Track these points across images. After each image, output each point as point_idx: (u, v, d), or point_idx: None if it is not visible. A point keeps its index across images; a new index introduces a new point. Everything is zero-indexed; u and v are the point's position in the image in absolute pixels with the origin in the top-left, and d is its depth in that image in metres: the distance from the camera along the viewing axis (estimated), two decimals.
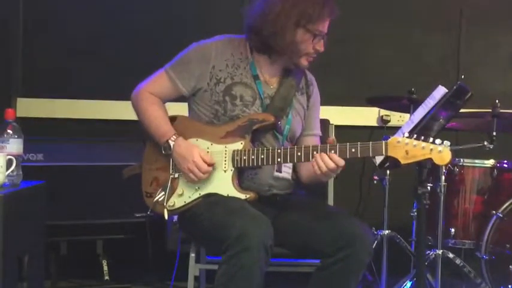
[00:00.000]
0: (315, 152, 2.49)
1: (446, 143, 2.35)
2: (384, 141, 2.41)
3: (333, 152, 2.46)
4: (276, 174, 2.68)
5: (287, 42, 2.62)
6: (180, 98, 2.76)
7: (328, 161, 2.45)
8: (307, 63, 2.72)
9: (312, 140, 2.82)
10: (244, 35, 2.75)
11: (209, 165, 2.60)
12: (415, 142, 2.37)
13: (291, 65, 2.74)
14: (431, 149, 2.35)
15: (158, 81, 2.75)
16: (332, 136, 3.38)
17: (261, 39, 2.67)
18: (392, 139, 2.41)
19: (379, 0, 4.47)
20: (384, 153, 2.42)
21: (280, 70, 2.77)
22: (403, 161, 2.39)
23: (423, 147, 2.36)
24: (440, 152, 2.34)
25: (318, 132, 2.87)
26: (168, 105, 2.78)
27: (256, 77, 2.73)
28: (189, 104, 2.80)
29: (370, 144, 2.43)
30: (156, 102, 2.75)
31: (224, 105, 2.68)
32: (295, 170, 2.76)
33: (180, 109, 2.81)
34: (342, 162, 2.46)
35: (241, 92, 2.69)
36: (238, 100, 2.69)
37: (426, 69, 4.42)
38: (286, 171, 2.71)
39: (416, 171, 2.46)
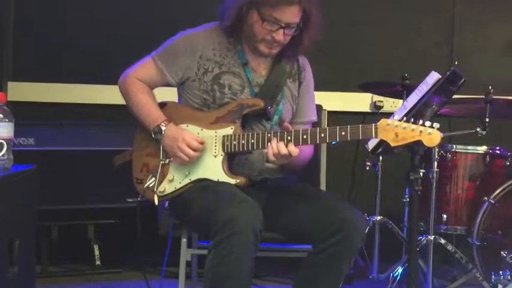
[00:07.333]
0: (274, 139, 2.49)
1: (436, 125, 2.35)
2: (373, 124, 2.41)
3: (322, 135, 2.46)
4: (266, 164, 2.65)
5: (239, 20, 2.60)
6: (169, 83, 2.75)
7: (282, 148, 2.47)
8: (267, 51, 2.67)
9: (303, 128, 2.80)
10: None
11: (199, 143, 2.59)
12: (405, 125, 2.36)
13: (255, 50, 2.68)
14: (420, 131, 2.35)
15: (145, 69, 2.74)
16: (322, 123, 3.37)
17: (221, 19, 2.65)
18: (382, 121, 2.40)
19: None
20: (373, 135, 2.42)
21: (270, 56, 2.74)
22: (393, 144, 2.38)
23: (413, 130, 2.35)
24: (430, 133, 2.34)
25: (310, 119, 2.85)
26: (158, 90, 2.77)
27: (245, 65, 2.71)
28: (178, 91, 2.80)
29: (360, 127, 2.43)
30: (144, 88, 2.73)
31: (213, 94, 2.67)
32: None
33: (170, 94, 2.79)
34: (296, 153, 2.47)
35: (230, 81, 2.68)
36: (227, 89, 2.67)
37: (419, 55, 4.42)
38: None
39: (409, 157, 2.46)
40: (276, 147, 2.48)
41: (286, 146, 2.48)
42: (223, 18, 2.66)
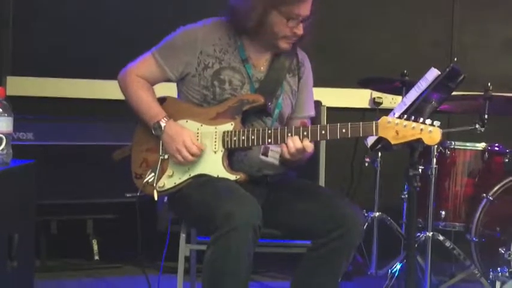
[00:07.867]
0: (289, 135, 2.49)
1: (437, 123, 2.34)
2: (374, 122, 2.41)
3: (323, 132, 2.46)
4: (262, 157, 2.64)
5: (260, 23, 2.60)
6: (169, 79, 2.74)
7: (298, 142, 2.48)
8: (287, 46, 2.68)
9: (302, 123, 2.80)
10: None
11: (199, 149, 2.59)
12: (405, 122, 2.36)
13: (273, 47, 2.70)
14: (421, 129, 2.35)
15: (145, 65, 2.73)
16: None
17: (237, 20, 2.64)
18: (382, 119, 2.40)
19: None
20: (374, 133, 2.42)
21: (270, 52, 2.74)
22: (393, 142, 2.38)
23: (413, 128, 2.35)
24: (431, 132, 2.34)
25: (309, 114, 2.85)
26: (158, 85, 2.77)
27: (245, 61, 2.70)
28: (178, 87, 2.79)
29: (361, 125, 2.43)
30: (144, 85, 2.72)
31: (213, 89, 2.66)
32: None
33: (169, 89, 2.79)
34: (310, 148, 2.50)
35: (230, 77, 2.68)
36: (227, 84, 2.67)
37: (419, 52, 4.42)
38: (273, 155, 2.66)
39: (408, 153, 2.46)
40: (292, 143, 2.48)
41: (301, 141, 2.49)
42: (238, 20, 2.64)
